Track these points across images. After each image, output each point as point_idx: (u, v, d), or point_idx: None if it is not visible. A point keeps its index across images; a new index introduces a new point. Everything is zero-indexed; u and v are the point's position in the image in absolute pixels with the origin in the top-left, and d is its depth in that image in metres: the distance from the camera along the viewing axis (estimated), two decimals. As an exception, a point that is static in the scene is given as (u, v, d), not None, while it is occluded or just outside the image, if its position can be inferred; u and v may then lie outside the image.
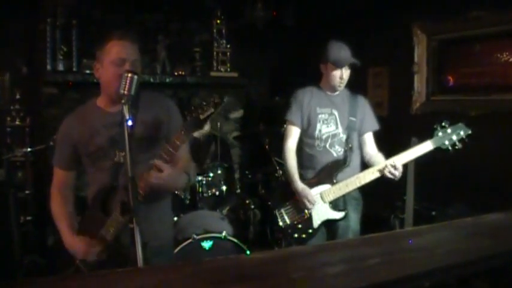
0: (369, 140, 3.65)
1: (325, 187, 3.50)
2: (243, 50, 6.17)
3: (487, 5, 4.42)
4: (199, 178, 4.30)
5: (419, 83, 5.16)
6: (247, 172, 5.49)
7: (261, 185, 4.91)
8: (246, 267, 1.22)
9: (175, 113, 2.64)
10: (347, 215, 3.52)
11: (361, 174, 3.43)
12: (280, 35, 6.37)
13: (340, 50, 3.47)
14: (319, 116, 3.56)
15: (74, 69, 5.18)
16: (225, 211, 4.47)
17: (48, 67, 5.10)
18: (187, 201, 4.31)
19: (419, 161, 3.93)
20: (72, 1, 5.24)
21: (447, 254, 1.32)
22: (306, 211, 3.51)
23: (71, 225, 2.59)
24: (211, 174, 4.35)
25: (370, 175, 3.40)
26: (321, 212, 3.51)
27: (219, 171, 4.42)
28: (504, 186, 4.16)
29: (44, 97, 5.19)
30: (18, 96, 4.91)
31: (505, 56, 4.41)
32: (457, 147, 3.32)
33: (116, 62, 2.41)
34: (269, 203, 4.72)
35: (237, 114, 6.38)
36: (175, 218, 4.09)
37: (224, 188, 4.36)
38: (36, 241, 4.62)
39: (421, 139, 3.82)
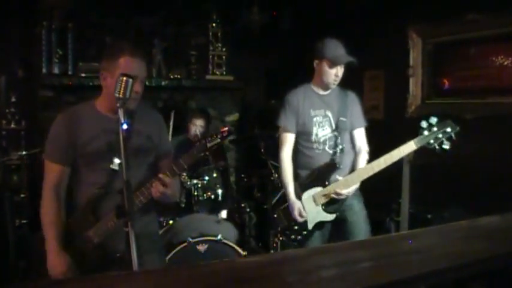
0: (359, 136, 3.63)
1: (316, 190, 3.51)
2: (238, 53, 6.17)
3: (482, 8, 4.44)
4: (195, 181, 4.29)
5: (415, 86, 5.18)
6: (242, 175, 5.49)
7: (256, 188, 4.91)
8: (241, 271, 1.22)
9: (165, 130, 2.88)
10: (339, 216, 3.53)
11: (349, 177, 3.43)
12: (276, 38, 6.38)
13: (337, 48, 3.46)
14: (314, 119, 3.54)
15: (70, 72, 5.18)
16: (220, 214, 4.47)
17: (44, 70, 5.09)
18: (183, 205, 4.30)
19: (414, 164, 3.94)
20: (68, 4, 5.23)
21: (442, 257, 1.32)
22: (301, 220, 3.51)
23: (59, 236, 2.54)
24: (206, 178, 4.34)
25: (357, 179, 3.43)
26: (313, 214, 3.52)
27: (215, 175, 4.41)
28: (500, 189, 4.17)
29: (40, 100, 5.19)
30: (13, 99, 4.89)
31: (500, 59, 4.43)
32: (444, 145, 3.23)
33: None
34: (265, 206, 4.74)
35: (233, 117, 6.38)
36: (171, 222, 4.09)
37: (220, 191, 4.35)
38: (32, 245, 4.60)
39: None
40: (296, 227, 3.57)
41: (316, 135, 3.53)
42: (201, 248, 3.69)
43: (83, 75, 5.11)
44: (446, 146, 3.24)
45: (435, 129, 3.24)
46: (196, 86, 6.01)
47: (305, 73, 3.74)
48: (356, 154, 3.62)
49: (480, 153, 4.38)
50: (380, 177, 3.51)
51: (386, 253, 1.36)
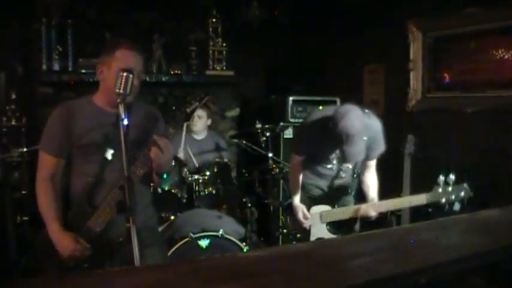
0: (372, 166, 3.53)
1: (325, 208, 3.53)
2: (238, 48, 6.16)
3: (481, 1, 4.43)
4: (196, 177, 4.29)
5: (415, 80, 5.17)
6: (244, 170, 5.49)
7: (257, 183, 4.90)
8: (241, 266, 1.22)
9: (162, 124, 2.85)
10: None
11: (363, 206, 3.36)
12: (276, 33, 6.37)
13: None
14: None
15: (70, 68, 5.19)
16: (221, 209, 4.47)
17: (44, 67, 5.10)
18: (184, 200, 4.30)
19: (415, 157, 3.95)
20: (67, 1, 5.23)
21: (443, 250, 1.33)
22: (306, 223, 3.53)
23: (60, 219, 2.58)
24: (207, 173, 4.34)
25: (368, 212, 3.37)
26: (318, 229, 3.54)
27: (216, 170, 4.41)
28: (500, 183, 4.16)
29: (40, 97, 5.19)
30: (13, 97, 4.89)
31: (500, 52, 4.42)
32: (454, 207, 3.17)
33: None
34: (266, 201, 4.74)
35: (234, 112, 6.38)
36: (172, 217, 4.09)
37: (221, 186, 4.35)
38: (32, 241, 4.61)
39: (417, 136, 3.83)
40: (298, 236, 3.60)
41: (332, 160, 3.46)
42: (203, 243, 3.70)
43: (83, 71, 5.12)
44: (456, 208, 3.18)
45: (450, 189, 3.15)
46: (197, 82, 6.01)
47: (304, 68, 3.73)
48: (365, 183, 3.55)
49: (480, 146, 4.38)
50: (381, 171, 3.52)
51: (387, 247, 1.36)
